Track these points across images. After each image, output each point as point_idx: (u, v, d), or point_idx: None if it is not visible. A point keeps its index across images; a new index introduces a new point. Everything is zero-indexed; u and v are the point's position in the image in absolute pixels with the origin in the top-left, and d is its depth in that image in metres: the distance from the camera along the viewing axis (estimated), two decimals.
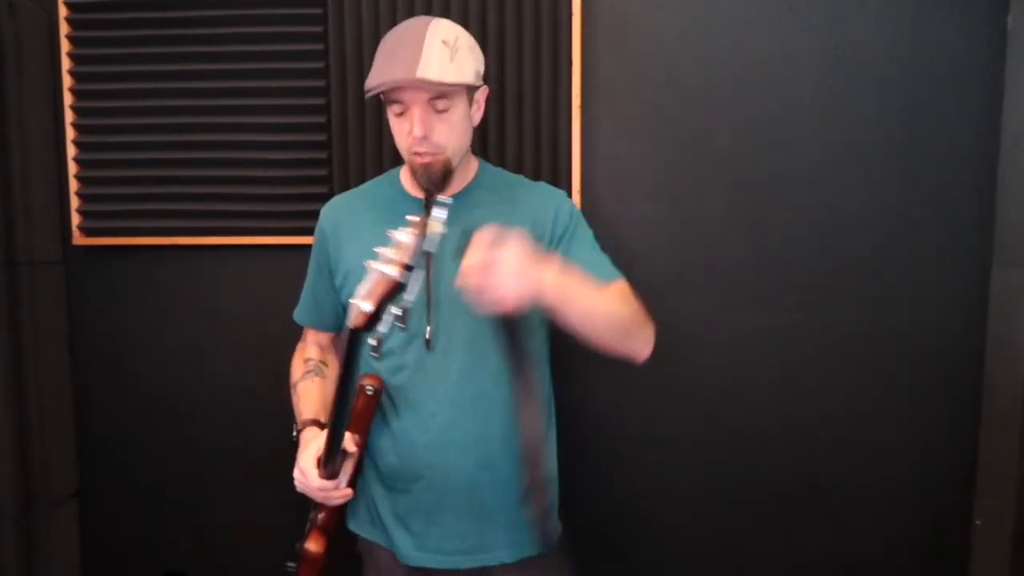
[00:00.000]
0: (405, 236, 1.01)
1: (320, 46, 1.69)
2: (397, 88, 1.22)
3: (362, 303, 1.00)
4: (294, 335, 1.58)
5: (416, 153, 1.27)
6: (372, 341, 1.10)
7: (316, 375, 1.45)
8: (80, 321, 1.85)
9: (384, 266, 0.99)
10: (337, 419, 1.18)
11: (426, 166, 1.27)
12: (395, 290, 1.00)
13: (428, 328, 1.30)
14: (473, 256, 1.02)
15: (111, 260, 1.81)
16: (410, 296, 1.02)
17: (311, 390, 1.42)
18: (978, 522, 1.66)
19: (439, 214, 1.05)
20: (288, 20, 1.69)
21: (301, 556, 1.39)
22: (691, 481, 1.73)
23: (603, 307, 1.18)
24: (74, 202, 1.77)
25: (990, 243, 1.61)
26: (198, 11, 1.70)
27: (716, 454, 1.72)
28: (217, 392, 1.82)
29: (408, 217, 1.02)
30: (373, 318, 1.01)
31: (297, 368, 1.49)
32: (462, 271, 1.02)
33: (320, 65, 1.69)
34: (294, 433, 1.36)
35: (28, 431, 1.73)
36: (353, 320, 1.02)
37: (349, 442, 1.27)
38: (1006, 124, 1.58)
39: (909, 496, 1.69)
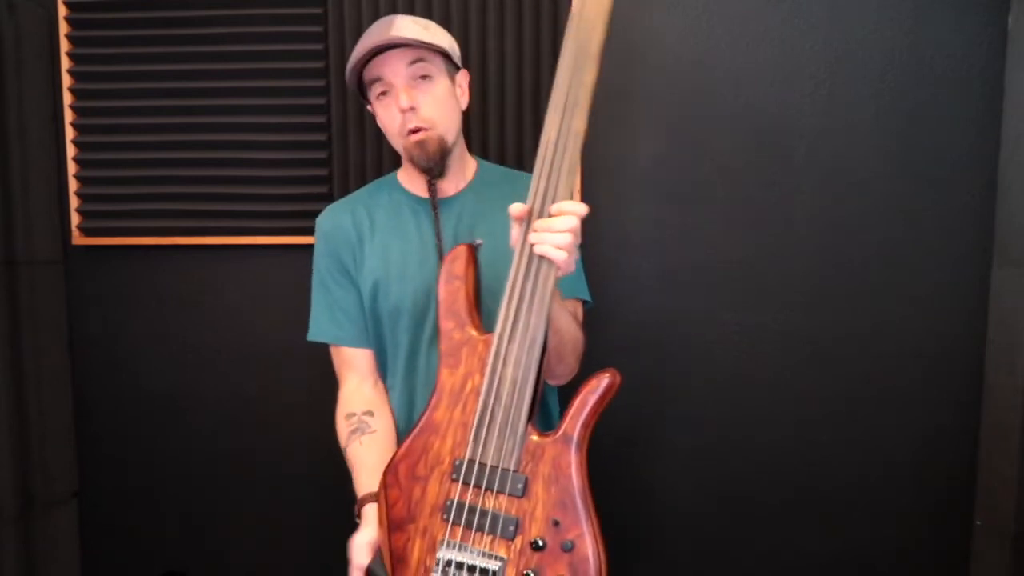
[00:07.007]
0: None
1: (320, 46, 1.69)
2: (376, 65, 1.22)
3: None
4: (293, 334, 1.57)
5: (409, 132, 1.25)
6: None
7: (360, 434, 1.32)
8: (80, 321, 1.84)
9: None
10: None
11: (420, 143, 1.25)
12: None
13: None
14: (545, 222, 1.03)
15: (111, 260, 1.81)
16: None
17: (360, 456, 1.29)
18: (978, 522, 1.66)
19: None
20: (288, 20, 1.69)
21: None
22: (690, 481, 1.73)
23: (563, 321, 1.16)
24: (74, 202, 1.77)
25: (990, 243, 1.62)
26: (198, 11, 1.70)
27: (715, 454, 1.72)
28: (217, 392, 1.82)
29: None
30: None
31: (341, 428, 1.34)
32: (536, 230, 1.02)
33: (320, 65, 1.69)
34: (356, 514, 1.23)
35: (28, 431, 1.73)
36: None
37: None
38: (1006, 124, 1.58)
39: (909, 496, 1.69)
